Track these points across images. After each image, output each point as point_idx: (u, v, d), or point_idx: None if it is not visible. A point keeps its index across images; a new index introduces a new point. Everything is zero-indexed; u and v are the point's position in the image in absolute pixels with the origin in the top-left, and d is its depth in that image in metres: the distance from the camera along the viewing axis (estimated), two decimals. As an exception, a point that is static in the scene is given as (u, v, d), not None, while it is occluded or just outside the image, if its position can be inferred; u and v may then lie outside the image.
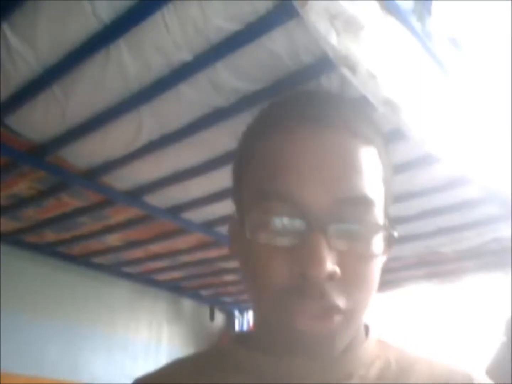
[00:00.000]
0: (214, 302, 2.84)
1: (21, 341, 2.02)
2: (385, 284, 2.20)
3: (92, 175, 1.40)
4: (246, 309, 2.91)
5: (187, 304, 2.81)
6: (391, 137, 1.14)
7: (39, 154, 1.30)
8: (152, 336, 2.61)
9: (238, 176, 0.60)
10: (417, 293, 2.16)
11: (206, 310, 2.87)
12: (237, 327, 2.92)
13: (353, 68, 0.77)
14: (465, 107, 1.26)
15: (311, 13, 0.71)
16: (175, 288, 2.61)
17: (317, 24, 0.72)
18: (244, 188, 0.57)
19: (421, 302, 2.17)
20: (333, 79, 0.93)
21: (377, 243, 0.52)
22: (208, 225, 1.75)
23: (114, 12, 0.85)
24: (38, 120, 1.15)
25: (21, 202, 1.61)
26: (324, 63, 0.89)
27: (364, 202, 0.51)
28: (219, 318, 2.92)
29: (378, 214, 0.53)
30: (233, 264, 2.19)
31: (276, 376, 0.55)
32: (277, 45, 0.87)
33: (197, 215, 1.67)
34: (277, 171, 0.52)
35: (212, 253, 2.06)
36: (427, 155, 1.23)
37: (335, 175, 0.51)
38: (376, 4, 0.87)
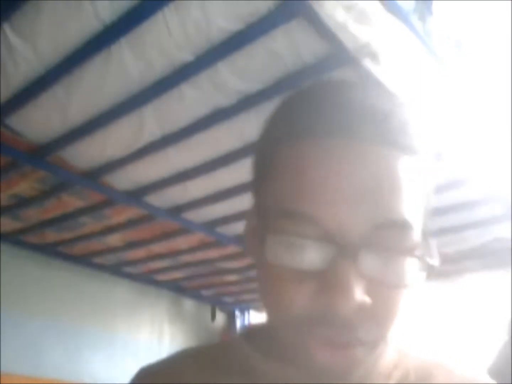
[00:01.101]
0: (215, 302, 2.84)
1: (22, 341, 2.02)
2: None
3: (93, 175, 1.39)
4: (247, 309, 2.91)
5: (188, 304, 2.81)
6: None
7: (40, 154, 1.30)
8: (154, 336, 2.61)
9: (257, 182, 0.54)
10: (419, 293, 2.16)
11: (207, 310, 2.87)
12: (238, 327, 2.91)
13: (375, 56, 0.77)
14: (466, 106, 1.26)
15: (326, 4, 0.71)
16: (176, 288, 2.61)
17: (334, 15, 0.72)
18: (264, 201, 0.51)
19: (423, 302, 2.17)
20: (334, 78, 0.93)
21: (412, 271, 0.47)
22: (209, 225, 1.75)
23: (115, 12, 0.85)
24: (40, 120, 1.15)
25: (22, 202, 1.61)
26: (325, 63, 0.89)
27: (402, 227, 0.46)
28: (220, 318, 2.92)
29: (415, 238, 0.47)
30: (234, 264, 2.19)
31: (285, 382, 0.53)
32: (278, 45, 0.87)
33: (198, 215, 1.67)
34: (303, 188, 0.46)
35: (213, 253, 2.06)
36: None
37: (376, 197, 0.45)
38: (379, 4, 0.87)
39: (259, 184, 0.53)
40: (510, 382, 1.43)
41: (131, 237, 1.93)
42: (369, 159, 0.45)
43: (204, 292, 2.72)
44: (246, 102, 0.98)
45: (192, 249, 2.00)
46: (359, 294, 0.44)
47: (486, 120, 1.37)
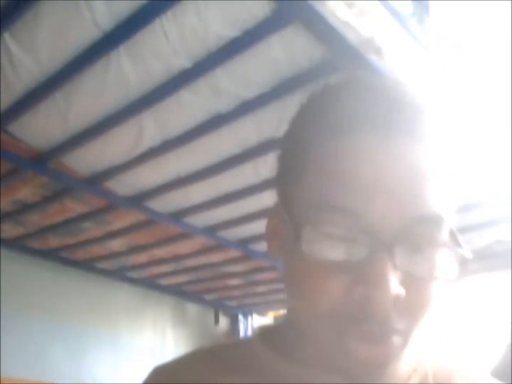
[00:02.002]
0: (218, 306, 2.84)
1: (25, 345, 2.03)
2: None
3: (95, 181, 1.40)
4: (250, 312, 2.91)
5: (191, 308, 2.81)
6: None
7: (42, 160, 1.31)
8: (157, 340, 2.61)
9: (288, 179, 0.53)
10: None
11: (210, 314, 2.87)
12: (241, 331, 2.91)
13: (379, 51, 0.77)
14: (465, 106, 1.26)
15: (328, 4, 0.72)
16: (179, 292, 2.62)
17: (336, 12, 0.73)
18: (298, 196, 0.51)
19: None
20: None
21: (446, 264, 0.47)
22: (211, 230, 1.76)
23: (114, 20, 0.86)
24: (41, 127, 1.16)
25: (24, 208, 1.62)
26: (322, 68, 0.90)
27: (436, 221, 0.47)
28: (224, 321, 2.92)
29: (447, 233, 0.48)
30: (237, 268, 2.19)
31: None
32: (275, 50, 0.87)
33: (199, 220, 1.68)
34: (340, 182, 0.47)
35: (216, 257, 2.07)
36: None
37: (412, 191, 0.46)
38: (378, 4, 0.88)
39: (290, 181, 0.52)
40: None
41: (133, 242, 1.94)
42: (405, 154, 0.46)
43: (207, 296, 2.72)
44: (244, 107, 0.99)
45: (194, 254, 2.01)
46: (395, 287, 0.44)
47: (486, 122, 1.37)
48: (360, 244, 0.45)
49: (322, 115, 0.50)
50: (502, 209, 1.57)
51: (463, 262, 0.47)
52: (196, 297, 2.71)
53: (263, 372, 0.55)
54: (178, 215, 1.63)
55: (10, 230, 1.82)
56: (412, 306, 0.46)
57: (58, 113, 1.10)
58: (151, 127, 1.14)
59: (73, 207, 1.60)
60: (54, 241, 1.93)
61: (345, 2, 0.73)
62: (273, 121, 1.00)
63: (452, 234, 0.48)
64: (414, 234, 0.45)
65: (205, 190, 1.44)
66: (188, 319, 2.79)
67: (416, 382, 0.53)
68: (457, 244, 0.47)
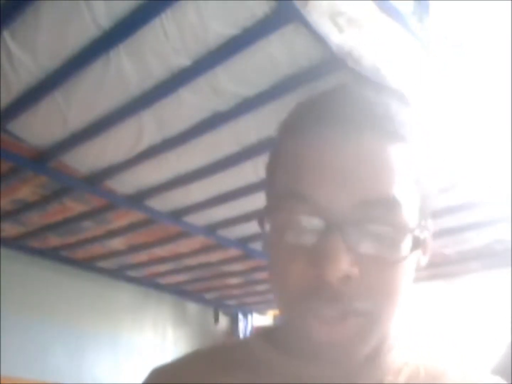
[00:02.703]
0: (218, 305, 2.84)
1: (24, 345, 2.03)
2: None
3: (95, 180, 1.40)
4: (250, 311, 2.91)
5: (191, 307, 2.81)
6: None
7: (42, 159, 1.31)
8: (157, 339, 2.61)
9: (269, 172, 0.59)
10: (420, 294, 2.16)
11: (210, 313, 2.87)
12: (241, 330, 2.91)
13: (357, 62, 0.77)
14: (465, 106, 1.26)
15: (313, 12, 0.72)
16: (179, 292, 2.61)
17: (319, 23, 0.73)
18: (273, 186, 0.57)
19: (424, 303, 2.16)
20: (331, 82, 0.94)
21: (403, 246, 0.50)
22: (211, 229, 1.76)
23: (113, 19, 0.86)
24: (40, 126, 1.16)
25: (24, 207, 1.62)
26: (321, 67, 0.90)
27: (389, 204, 0.49)
28: (223, 321, 2.92)
29: (407, 216, 0.50)
30: (237, 267, 2.19)
31: (300, 380, 0.54)
32: (275, 49, 0.87)
33: (199, 219, 1.68)
34: (301, 171, 0.52)
35: (216, 256, 2.07)
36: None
37: (358, 176, 0.49)
38: (373, 4, 0.87)
39: (270, 176, 0.58)
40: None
41: (133, 241, 1.94)
42: (354, 144, 0.50)
43: (207, 295, 2.72)
44: (244, 106, 0.99)
45: (194, 253, 2.01)
46: (346, 265, 0.46)
47: (486, 121, 1.37)
48: (314, 227, 0.49)
49: (288, 120, 0.58)
50: (502, 208, 1.56)
51: (416, 245, 0.49)
52: (196, 296, 2.71)
53: (261, 370, 0.56)
54: (178, 214, 1.63)
55: (10, 229, 1.82)
56: (371, 287, 0.48)
57: (57, 112, 1.10)
58: (151, 126, 1.14)
59: (73, 206, 1.60)
60: (54, 241, 1.93)
61: (332, 10, 0.73)
62: (272, 120, 1.00)
63: (421, 220, 0.51)
64: (365, 217, 0.48)
65: (205, 189, 1.44)
66: (188, 318, 2.79)
67: (407, 375, 0.54)
68: (422, 230, 0.51)
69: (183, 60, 0.92)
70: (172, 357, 0.64)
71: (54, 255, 2.08)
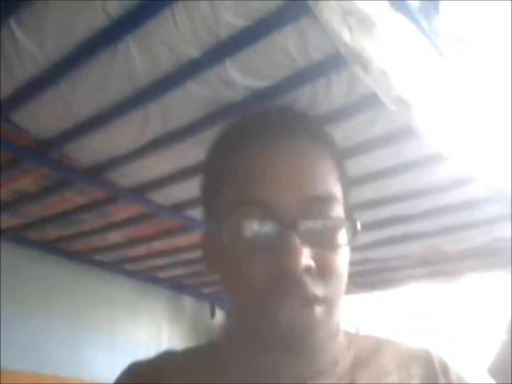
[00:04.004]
0: (214, 300, 2.83)
1: (22, 338, 2.01)
2: (389, 282, 2.21)
3: (96, 172, 1.39)
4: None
5: (188, 301, 2.81)
6: (397, 136, 1.14)
7: (43, 150, 1.29)
8: (153, 333, 2.61)
9: (213, 189, 0.66)
10: (420, 292, 2.16)
11: (206, 308, 2.87)
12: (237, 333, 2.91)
13: (365, 66, 0.77)
14: (470, 105, 1.26)
15: (325, 10, 0.71)
16: (176, 286, 2.61)
17: (330, 22, 0.72)
18: (221, 199, 0.62)
19: (424, 301, 2.17)
20: (343, 76, 0.93)
21: (343, 235, 0.58)
22: (211, 223, 1.75)
23: (124, 8, 0.85)
24: (43, 116, 1.14)
25: (24, 199, 1.60)
26: (333, 61, 0.89)
27: (328, 199, 0.57)
28: (220, 315, 2.91)
29: (341, 209, 0.59)
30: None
31: (261, 375, 0.60)
32: (287, 42, 0.86)
33: (199, 213, 1.66)
34: (250, 180, 0.58)
35: (214, 251, 2.05)
36: (433, 154, 1.23)
37: (301, 178, 0.57)
38: (386, 3, 0.87)
39: (211, 192, 0.65)
40: (510, 382, 1.43)
41: (132, 234, 1.93)
42: (297, 153, 0.59)
43: (204, 290, 2.72)
44: (253, 99, 0.98)
45: (193, 247, 2.00)
46: (305, 258, 0.53)
47: (489, 120, 1.37)
48: (270, 227, 0.55)
49: (236, 133, 0.67)
50: (503, 207, 1.56)
51: (354, 233, 0.58)
52: (193, 290, 2.70)
53: (226, 368, 0.62)
54: (179, 208, 1.62)
55: (8, 221, 1.80)
56: (325, 274, 0.55)
57: (62, 103, 1.08)
58: (156, 118, 1.13)
59: (73, 198, 1.59)
60: (52, 233, 1.92)
61: (343, 9, 0.72)
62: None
63: (348, 212, 0.60)
64: (312, 212, 0.56)
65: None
66: (184, 313, 2.79)
67: (352, 357, 0.63)
68: (352, 219, 0.59)
69: (192, 52, 0.91)
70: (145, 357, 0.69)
71: (52, 247, 2.06)
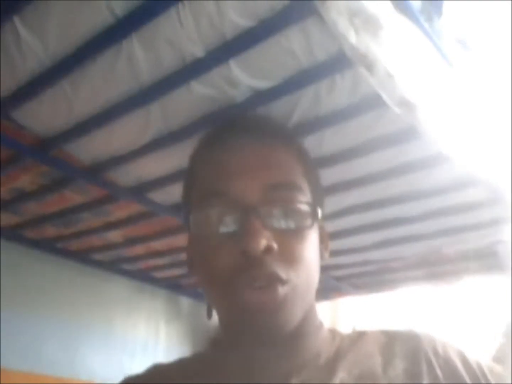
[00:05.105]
0: (212, 300, 2.83)
1: (19, 337, 2.00)
2: (386, 283, 2.21)
3: (97, 171, 1.38)
4: (244, 307, 2.90)
5: (185, 302, 2.80)
6: (400, 137, 1.14)
7: (44, 148, 1.28)
8: (150, 333, 2.60)
9: (186, 187, 0.73)
10: (417, 293, 2.16)
11: (204, 308, 2.85)
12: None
13: (370, 67, 0.76)
14: (471, 107, 1.26)
15: (330, 10, 0.71)
16: (174, 286, 2.60)
17: (336, 22, 0.72)
18: (191, 195, 0.69)
19: (423, 303, 2.17)
20: (347, 77, 0.93)
21: (305, 219, 0.62)
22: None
23: (128, 6, 0.84)
24: (45, 114, 1.14)
25: (22, 197, 1.59)
26: (338, 61, 0.88)
27: (289, 187, 0.62)
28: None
29: (303, 197, 0.63)
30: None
31: (241, 370, 0.64)
32: (292, 42, 0.86)
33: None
34: (216, 174, 0.64)
35: (213, 251, 2.05)
36: (435, 156, 1.23)
37: (262, 169, 0.63)
38: (389, 3, 0.86)
39: (185, 190, 0.74)
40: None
41: (131, 233, 1.92)
42: (258, 149, 0.65)
43: (201, 290, 2.71)
44: (257, 99, 0.97)
45: (192, 247, 1.99)
46: (264, 239, 0.57)
47: (490, 122, 1.37)
48: (234, 215, 0.60)
49: (208, 137, 0.77)
50: (503, 209, 1.57)
51: (315, 218, 0.62)
52: (190, 291, 2.70)
53: (213, 373, 0.67)
54: (178, 208, 1.61)
55: (6, 219, 1.79)
56: (289, 256, 0.59)
57: (64, 101, 1.08)
58: (158, 118, 1.12)
59: (73, 197, 1.58)
60: (50, 231, 1.91)
61: (350, 9, 0.72)
62: (285, 114, 0.99)
63: (315, 199, 0.65)
64: (274, 199, 0.61)
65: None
66: (181, 313, 2.78)
67: (336, 346, 0.66)
68: (316, 206, 0.63)
69: (197, 51, 0.91)
70: (164, 351, 0.73)
71: (49, 246, 2.05)
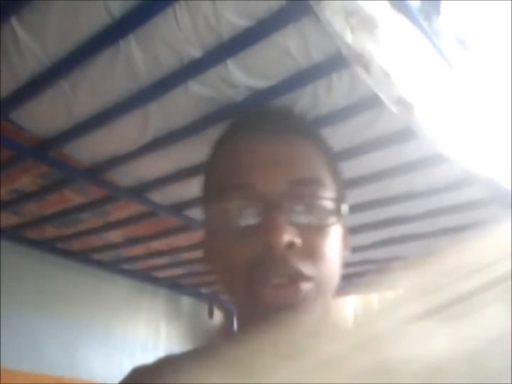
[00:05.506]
0: (213, 300, 2.83)
1: (19, 337, 2.01)
2: (387, 283, 2.21)
3: (96, 171, 1.39)
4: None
5: (186, 301, 2.80)
6: (398, 137, 1.14)
7: (44, 148, 1.29)
8: (151, 333, 2.60)
9: (207, 179, 0.70)
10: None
11: (205, 308, 2.86)
12: (235, 325, 2.91)
13: (366, 67, 0.77)
14: (470, 106, 1.26)
15: (326, 10, 0.71)
16: (174, 286, 2.61)
17: (332, 22, 0.72)
18: (211, 187, 0.67)
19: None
20: (344, 77, 0.93)
21: (330, 216, 0.60)
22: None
23: (126, 7, 0.85)
24: (44, 115, 1.14)
25: (23, 197, 1.60)
26: (335, 61, 0.89)
27: (311, 182, 0.61)
28: (218, 316, 2.91)
29: (328, 192, 0.62)
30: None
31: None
32: (289, 42, 0.86)
33: (200, 213, 1.66)
34: (239, 166, 0.62)
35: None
36: (432, 155, 1.23)
37: (286, 163, 0.61)
38: (387, 3, 0.87)
39: (204, 183, 0.70)
40: None
41: (131, 233, 1.92)
42: (282, 144, 0.63)
43: (202, 290, 2.72)
44: (254, 99, 0.97)
45: (192, 247, 2.00)
46: (288, 234, 0.55)
47: (489, 121, 1.37)
48: (256, 209, 0.58)
49: (231, 129, 0.74)
50: (502, 208, 1.57)
51: (339, 214, 0.61)
52: (191, 290, 2.70)
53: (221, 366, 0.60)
54: (179, 208, 1.62)
55: (6, 219, 1.80)
56: (312, 252, 0.57)
57: (63, 101, 1.08)
58: (156, 118, 1.12)
59: (73, 197, 1.58)
60: (51, 232, 1.91)
61: (346, 9, 0.72)
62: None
63: (339, 195, 0.64)
64: (298, 194, 0.59)
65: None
66: (182, 313, 2.79)
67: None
68: (341, 202, 0.62)
69: (194, 51, 0.91)
70: (165, 351, 0.70)
71: (50, 246, 2.06)
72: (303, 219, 0.58)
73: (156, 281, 2.53)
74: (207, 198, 0.68)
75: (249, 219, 0.58)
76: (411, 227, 1.70)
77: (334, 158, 0.72)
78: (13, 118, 1.16)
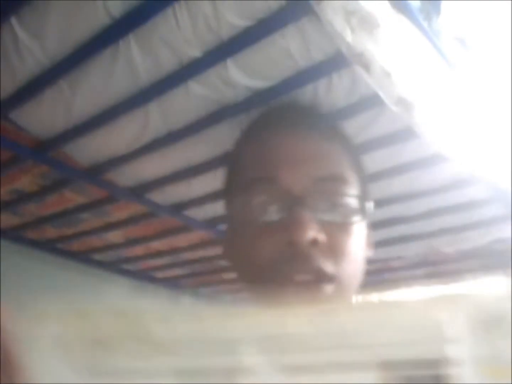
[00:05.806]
0: (213, 300, 2.83)
1: (20, 337, 2.00)
2: (387, 283, 2.21)
3: (96, 171, 1.39)
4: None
5: (186, 302, 2.80)
6: (398, 136, 1.14)
7: (43, 149, 1.29)
8: (151, 333, 2.60)
9: (230, 172, 0.69)
10: (418, 293, 2.16)
11: (204, 308, 2.86)
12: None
13: (367, 66, 0.76)
14: (471, 106, 1.26)
15: (327, 10, 0.71)
16: (175, 286, 2.61)
17: (332, 21, 0.72)
18: (235, 179, 0.66)
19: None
20: (344, 77, 0.93)
21: (354, 214, 0.59)
22: (210, 223, 1.75)
23: (125, 7, 0.85)
24: (44, 115, 1.14)
25: (22, 198, 1.60)
26: (335, 61, 0.88)
27: (337, 180, 0.60)
28: (218, 316, 2.91)
29: (353, 190, 0.61)
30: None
31: None
32: (289, 42, 0.86)
33: (199, 213, 1.67)
34: (264, 160, 0.61)
35: (213, 251, 2.06)
36: (432, 155, 1.23)
37: (312, 161, 0.60)
38: (387, 3, 0.87)
39: (227, 177, 0.69)
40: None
41: (131, 234, 1.92)
42: (308, 140, 0.63)
43: (202, 290, 2.72)
44: (254, 99, 0.97)
45: (192, 247, 2.00)
46: (312, 230, 0.54)
47: (490, 121, 1.37)
48: (281, 204, 0.57)
49: (258, 122, 0.74)
50: (503, 208, 1.57)
51: (364, 212, 0.60)
52: (191, 291, 2.70)
53: None
54: (178, 208, 1.62)
55: (6, 220, 1.80)
56: (336, 250, 0.56)
57: (62, 102, 1.08)
58: (156, 118, 1.12)
59: (73, 197, 1.58)
60: (51, 232, 1.92)
61: (346, 9, 0.72)
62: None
63: (363, 192, 0.63)
64: (323, 190, 0.58)
65: (208, 183, 1.42)
66: (182, 313, 2.79)
67: None
68: (365, 200, 0.61)
69: (194, 51, 0.91)
70: None
71: (50, 246, 2.06)
72: (327, 216, 0.57)
73: (156, 281, 2.53)
74: (231, 190, 0.67)
75: (273, 214, 0.57)
76: (412, 226, 1.70)
77: (358, 156, 0.71)
78: (13, 118, 1.16)
